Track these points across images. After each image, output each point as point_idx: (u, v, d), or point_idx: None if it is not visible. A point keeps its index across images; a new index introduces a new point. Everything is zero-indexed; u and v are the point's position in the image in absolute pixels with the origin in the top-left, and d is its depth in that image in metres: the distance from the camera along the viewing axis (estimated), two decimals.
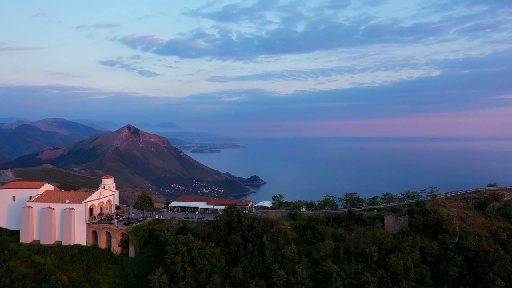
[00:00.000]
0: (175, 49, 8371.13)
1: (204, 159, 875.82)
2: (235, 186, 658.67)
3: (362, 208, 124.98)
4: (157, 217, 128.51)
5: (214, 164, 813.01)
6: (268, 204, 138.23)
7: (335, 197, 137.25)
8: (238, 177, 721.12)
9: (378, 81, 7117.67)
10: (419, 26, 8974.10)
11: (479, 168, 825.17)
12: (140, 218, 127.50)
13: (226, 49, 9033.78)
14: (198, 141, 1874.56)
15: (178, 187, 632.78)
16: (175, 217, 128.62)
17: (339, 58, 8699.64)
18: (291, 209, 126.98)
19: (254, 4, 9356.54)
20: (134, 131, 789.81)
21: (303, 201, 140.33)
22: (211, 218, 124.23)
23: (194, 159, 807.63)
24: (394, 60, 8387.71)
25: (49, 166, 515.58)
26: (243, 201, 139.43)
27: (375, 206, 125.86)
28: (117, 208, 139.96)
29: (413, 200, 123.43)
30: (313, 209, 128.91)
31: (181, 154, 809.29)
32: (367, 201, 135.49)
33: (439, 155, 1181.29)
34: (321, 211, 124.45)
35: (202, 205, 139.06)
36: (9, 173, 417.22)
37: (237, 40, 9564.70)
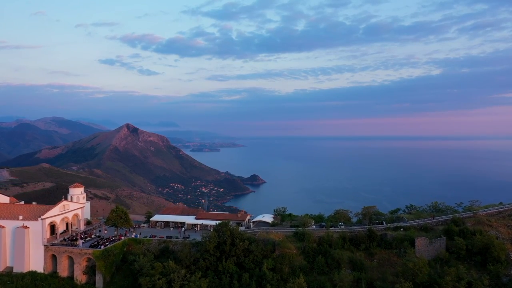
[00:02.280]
0: (175, 47, 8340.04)
1: (204, 158, 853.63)
2: (234, 186, 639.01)
3: (385, 226, 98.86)
4: (133, 236, 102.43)
5: (213, 163, 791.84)
6: (268, 218, 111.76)
7: (350, 212, 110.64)
8: (238, 176, 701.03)
9: (378, 80, 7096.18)
10: (420, 25, 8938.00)
11: (480, 168, 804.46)
12: (112, 237, 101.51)
13: (226, 47, 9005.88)
14: (198, 140, 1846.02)
15: (177, 187, 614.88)
16: (155, 236, 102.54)
17: (339, 56, 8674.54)
18: (297, 226, 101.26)
19: (254, 2, 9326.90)
20: (133, 130, 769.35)
21: (310, 215, 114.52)
22: (200, 237, 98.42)
23: (194, 158, 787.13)
24: (394, 59, 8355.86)
25: (46, 165, 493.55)
26: (239, 215, 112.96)
27: (401, 224, 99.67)
28: (88, 223, 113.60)
29: (449, 217, 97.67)
30: (323, 226, 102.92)
31: (181, 153, 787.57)
32: (387, 216, 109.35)
33: (439, 154, 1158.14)
34: (334, 230, 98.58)
35: (189, 219, 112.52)
36: (5, 173, 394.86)
37: (237, 39, 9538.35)
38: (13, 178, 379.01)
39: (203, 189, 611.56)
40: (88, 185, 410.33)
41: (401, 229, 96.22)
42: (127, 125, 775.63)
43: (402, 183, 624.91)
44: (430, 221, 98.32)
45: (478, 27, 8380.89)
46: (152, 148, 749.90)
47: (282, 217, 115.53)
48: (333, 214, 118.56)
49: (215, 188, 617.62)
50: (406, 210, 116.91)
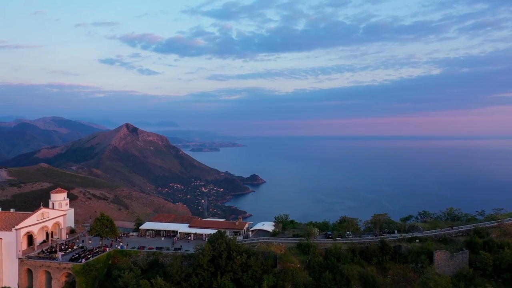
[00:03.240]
0: (174, 47, 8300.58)
1: (203, 158, 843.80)
2: (234, 185, 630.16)
3: (399, 237, 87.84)
4: (119, 247, 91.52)
5: (213, 163, 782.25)
6: (269, 227, 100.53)
7: (360, 221, 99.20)
8: (238, 176, 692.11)
9: (378, 79, 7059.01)
10: (420, 25, 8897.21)
11: (480, 167, 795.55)
12: (96, 248, 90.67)
13: (226, 47, 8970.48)
14: (198, 139, 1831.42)
15: (177, 186, 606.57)
16: (143, 247, 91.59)
17: (339, 56, 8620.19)
18: (300, 236, 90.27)
19: (254, 2, 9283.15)
20: (133, 130, 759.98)
21: (315, 222, 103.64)
22: (193, 249, 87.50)
23: (193, 158, 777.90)
24: (394, 58, 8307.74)
25: (44, 165, 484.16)
26: (237, 223, 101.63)
27: (416, 234, 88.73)
28: (72, 232, 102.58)
29: (469, 226, 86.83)
30: (330, 235, 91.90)
31: (180, 153, 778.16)
32: (399, 224, 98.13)
33: (439, 154, 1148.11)
34: (341, 240, 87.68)
35: (182, 228, 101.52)
36: (3, 173, 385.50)
37: (237, 39, 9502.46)
38: (11, 178, 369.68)
39: (203, 189, 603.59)
40: (87, 185, 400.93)
41: (417, 240, 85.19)
42: (127, 125, 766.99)
43: (402, 183, 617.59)
44: (449, 232, 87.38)
45: (478, 26, 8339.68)
46: (152, 148, 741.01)
47: (283, 225, 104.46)
48: (338, 221, 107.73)
49: (215, 188, 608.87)
50: (419, 218, 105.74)
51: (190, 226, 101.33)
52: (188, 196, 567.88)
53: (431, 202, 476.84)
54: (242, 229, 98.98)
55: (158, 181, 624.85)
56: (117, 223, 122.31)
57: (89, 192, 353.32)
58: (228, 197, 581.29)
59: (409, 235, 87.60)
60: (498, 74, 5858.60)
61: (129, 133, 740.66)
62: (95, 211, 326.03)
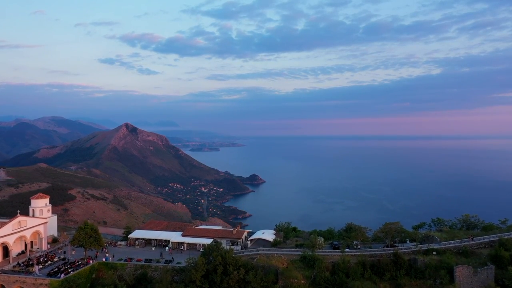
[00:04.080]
0: (174, 47, 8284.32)
1: (203, 158, 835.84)
2: (234, 185, 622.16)
3: (414, 248, 78.33)
4: (104, 259, 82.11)
5: (213, 162, 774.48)
6: (269, 235, 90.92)
7: (369, 230, 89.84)
8: (237, 176, 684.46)
9: (378, 79, 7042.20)
10: (420, 24, 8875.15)
11: (480, 167, 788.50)
12: (79, 260, 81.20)
13: (225, 47, 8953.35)
14: (197, 139, 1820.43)
15: (176, 186, 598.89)
16: (131, 259, 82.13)
17: (339, 56, 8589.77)
18: (304, 247, 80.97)
19: (253, 1, 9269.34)
20: (132, 130, 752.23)
21: (319, 230, 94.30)
22: (189, 258, 77.97)
23: (193, 157, 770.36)
24: (394, 58, 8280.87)
25: (43, 165, 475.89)
26: (234, 232, 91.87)
27: (433, 245, 79.34)
28: (54, 241, 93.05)
29: (493, 237, 77.43)
30: (336, 246, 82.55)
31: (180, 152, 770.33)
32: (411, 232, 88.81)
33: (439, 154, 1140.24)
34: (350, 252, 78.33)
35: (175, 236, 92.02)
36: (1, 173, 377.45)
37: (236, 38, 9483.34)
38: (9, 178, 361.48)
39: (203, 189, 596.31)
40: (86, 185, 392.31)
41: (434, 253, 75.70)
42: (126, 125, 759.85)
43: (402, 183, 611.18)
44: (470, 243, 77.98)
45: (478, 26, 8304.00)
46: (151, 148, 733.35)
47: (285, 233, 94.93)
48: (344, 229, 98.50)
49: (215, 188, 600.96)
50: (433, 226, 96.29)
51: (183, 235, 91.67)
52: (188, 196, 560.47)
53: (431, 202, 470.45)
54: (240, 238, 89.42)
55: (158, 181, 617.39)
56: (106, 230, 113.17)
57: (87, 192, 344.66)
58: (227, 197, 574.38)
59: (424, 246, 78.08)
60: (498, 74, 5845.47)
61: (128, 133, 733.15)
62: (94, 212, 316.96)
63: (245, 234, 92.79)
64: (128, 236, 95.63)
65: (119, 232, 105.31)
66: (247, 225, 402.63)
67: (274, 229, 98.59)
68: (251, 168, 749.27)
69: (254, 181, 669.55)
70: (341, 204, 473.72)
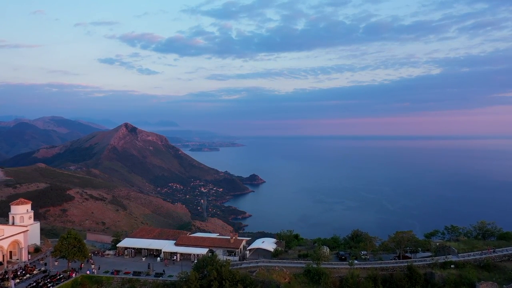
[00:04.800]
0: (174, 47, 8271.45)
1: (203, 158, 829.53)
2: (234, 185, 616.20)
3: (429, 261, 70.46)
4: (88, 271, 74.42)
5: (212, 162, 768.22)
6: (270, 245, 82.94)
7: (380, 239, 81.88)
8: (237, 176, 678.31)
9: (378, 79, 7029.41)
10: (420, 24, 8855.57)
11: (480, 167, 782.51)
12: (60, 273, 73.49)
13: (225, 47, 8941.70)
14: (197, 139, 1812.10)
15: (176, 186, 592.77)
16: (118, 272, 74.47)
17: (339, 56, 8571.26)
18: (307, 256, 73.28)
19: (253, 1, 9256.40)
20: (132, 130, 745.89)
21: (323, 239, 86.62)
22: (181, 272, 70.28)
23: (193, 157, 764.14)
24: (394, 58, 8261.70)
25: (41, 165, 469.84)
26: (232, 241, 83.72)
27: (451, 258, 71.63)
28: (37, 250, 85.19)
29: None
30: (343, 256, 74.97)
31: (180, 152, 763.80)
32: (424, 242, 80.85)
33: (439, 154, 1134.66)
34: (359, 265, 70.59)
35: (167, 245, 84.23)
36: (0, 173, 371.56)
37: (236, 38, 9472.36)
38: (7, 178, 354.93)
39: (202, 189, 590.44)
40: (85, 186, 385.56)
41: (452, 266, 68.03)
42: (126, 125, 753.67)
43: (402, 183, 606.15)
44: (491, 255, 70.26)
45: (478, 26, 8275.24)
46: (151, 148, 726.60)
47: (287, 242, 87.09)
48: (350, 236, 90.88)
49: (214, 188, 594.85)
50: (446, 233, 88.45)
51: (176, 244, 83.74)
52: (188, 196, 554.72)
53: (432, 202, 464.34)
54: (237, 247, 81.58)
55: (157, 181, 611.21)
56: (95, 237, 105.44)
57: (86, 192, 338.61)
58: (227, 197, 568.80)
59: (441, 258, 70.29)
60: (498, 74, 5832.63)
61: (128, 133, 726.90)
62: (92, 212, 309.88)
63: (243, 243, 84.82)
64: (117, 245, 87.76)
65: (109, 239, 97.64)
66: (247, 225, 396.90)
67: (275, 238, 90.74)
68: (251, 168, 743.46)
69: (254, 181, 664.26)
70: (341, 204, 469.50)
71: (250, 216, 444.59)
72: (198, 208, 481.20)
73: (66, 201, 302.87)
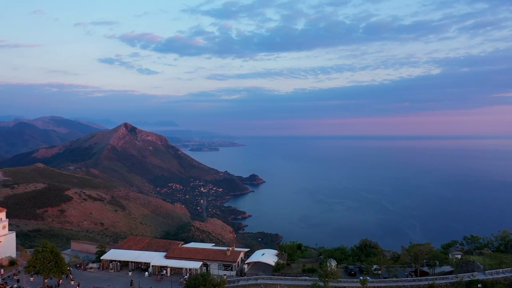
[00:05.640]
0: (174, 46, 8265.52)
1: (203, 158, 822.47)
2: (233, 185, 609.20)
3: (453, 279, 61.66)
4: None
5: (212, 162, 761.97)
6: (271, 258, 73.74)
7: (391, 252, 73.19)
8: (237, 176, 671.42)
9: (378, 79, 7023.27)
10: (420, 24, 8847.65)
11: (480, 167, 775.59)
12: None
13: (225, 47, 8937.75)
14: (197, 139, 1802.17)
15: (175, 186, 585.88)
16: None
17: (339, 56, 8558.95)
18: (313, 271, 64.46)
19: (253, 1, 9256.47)
20: (131, 129, 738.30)
21: (329, 249, 77.89)
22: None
23: (193, 157, 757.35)
24: (394, 58, 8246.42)
25: (40, 165, 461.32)
26: (228, 253, 74.50)
27: (478, 275, 62.62)
28: (12, 263, 76.23)
29: None
30: (353, 271, 66.21)
31: (179, 152, 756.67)
32: (440, 251, 72.08)
33: (439, 154, 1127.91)
34: (372, 284, 61.75)
35: (157, 258, 75.24)
36: None
37: (236, 38, 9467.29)
38: (6, 178, 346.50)
39: (202, 189, 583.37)
40: (83, 186, 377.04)
41: (479, 285, 59.22)
42: (125, 124, 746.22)
43: (402, 183, 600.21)
44: None
45: (478, 26, 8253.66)
46: (151, 148, 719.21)
47: (289, 254, 78.01)
48: (358, 246, 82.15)
49: (214, 188, 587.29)
50: (465, 244, 79.52)
51: (166, 257, 74.73)
52: (187, 196, 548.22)
53: (432, 202, 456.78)
54: (235, 261, 72.56)
55: (157, 181, 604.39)
56: (80, 247, 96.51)
57: (84, 192, 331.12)
58: (227, 197, 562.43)
59: (466, 276, 61.40)
60: (498, 74, 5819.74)
61: (127, 133, 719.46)
62: (90, 213, 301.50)
63: (241, 255, 75.60)
64: (101, 258, 78.67)
65: (92, 248, 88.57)
66: (246, 225, 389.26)
67: (276, 248, 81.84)
68: (251, 168, 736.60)
69: (253, 181, 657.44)
70: (341, 204, 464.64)
71: (250, 216, 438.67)
72: (198, 208, 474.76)
73: (64, 201, 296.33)
